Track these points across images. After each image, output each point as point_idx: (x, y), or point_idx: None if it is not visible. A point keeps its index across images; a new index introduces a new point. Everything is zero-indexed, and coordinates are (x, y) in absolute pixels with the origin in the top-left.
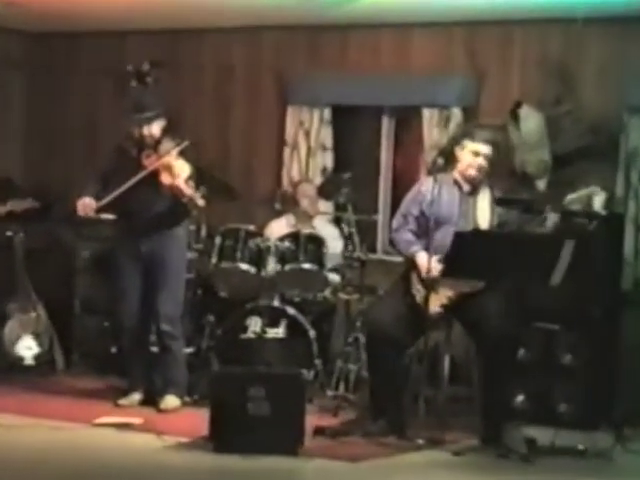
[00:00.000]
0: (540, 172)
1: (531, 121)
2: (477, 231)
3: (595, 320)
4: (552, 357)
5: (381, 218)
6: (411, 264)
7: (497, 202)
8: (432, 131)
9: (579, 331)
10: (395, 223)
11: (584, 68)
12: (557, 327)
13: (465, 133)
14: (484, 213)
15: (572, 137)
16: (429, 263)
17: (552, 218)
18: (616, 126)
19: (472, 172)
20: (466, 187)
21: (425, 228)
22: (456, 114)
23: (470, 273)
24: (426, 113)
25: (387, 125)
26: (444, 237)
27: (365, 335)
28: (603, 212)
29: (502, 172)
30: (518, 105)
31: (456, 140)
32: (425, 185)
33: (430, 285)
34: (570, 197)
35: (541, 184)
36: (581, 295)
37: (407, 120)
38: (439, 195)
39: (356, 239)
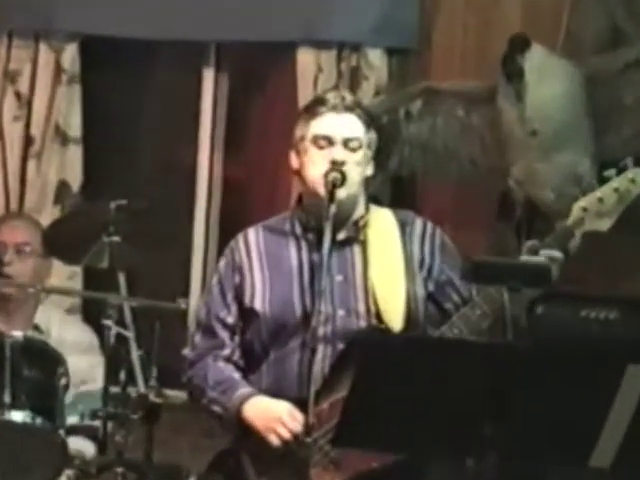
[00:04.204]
0: (570, 203)
1: (551, 81)
2: (418, 338)
3: None
4: None
5: (194, 304)
6: (241, 429)
7: (463, 273)
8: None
9: None
10: (190, 352)
11: None
12: None
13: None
14: (394, 288)
15: None
16: (284, 418)
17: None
18: None
19: (321, 189)
20: (337, 234)
21: (263, 344)
22: (376, 64)
23: (397, 436)
24: (302, 59)
25: (212, 85)
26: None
27: None
28: None
29: (479, 197)
30: (522, 45)
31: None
32: (244, 247)
33: (293, 467)
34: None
35: (576, 233)
36: None
37: (260, 75)
38: (278, 264)
39: (136, 354)
